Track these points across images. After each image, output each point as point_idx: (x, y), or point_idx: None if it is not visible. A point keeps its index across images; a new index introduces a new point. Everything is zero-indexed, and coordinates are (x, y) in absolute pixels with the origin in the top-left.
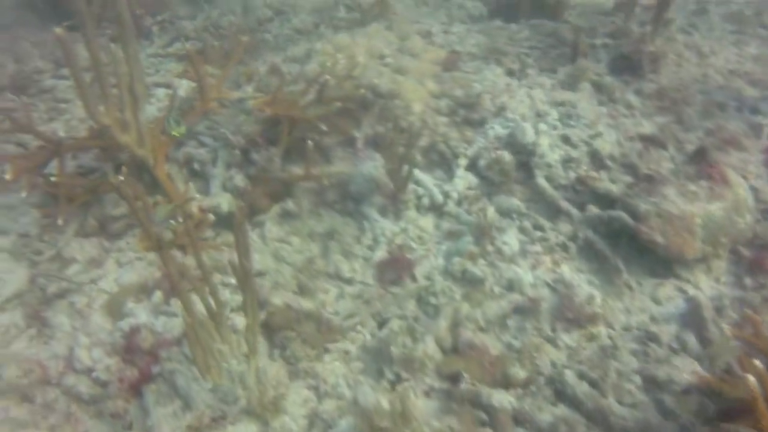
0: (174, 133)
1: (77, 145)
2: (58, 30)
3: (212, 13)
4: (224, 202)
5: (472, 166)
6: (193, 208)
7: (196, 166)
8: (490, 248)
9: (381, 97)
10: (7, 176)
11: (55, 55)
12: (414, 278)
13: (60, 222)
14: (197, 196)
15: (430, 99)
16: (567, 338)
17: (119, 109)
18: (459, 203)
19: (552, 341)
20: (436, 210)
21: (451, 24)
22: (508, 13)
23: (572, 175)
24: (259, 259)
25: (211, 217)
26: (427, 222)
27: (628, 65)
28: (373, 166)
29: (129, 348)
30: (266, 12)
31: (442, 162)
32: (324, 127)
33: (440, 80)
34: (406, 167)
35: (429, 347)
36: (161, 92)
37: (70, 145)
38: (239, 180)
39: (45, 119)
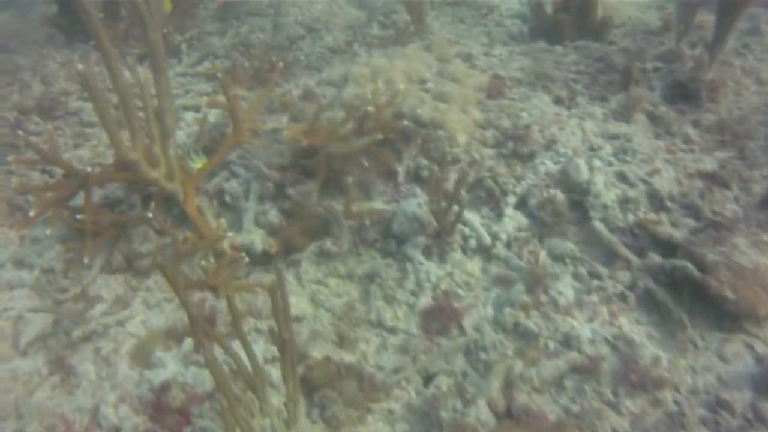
0: (194, 165)
1: (104, 177)
2: (81, 67)
3: (241, 30)
4: (258, 239)
5: (521, 205)
6: (225, 245)
7: (227, 198)
8: (543, 298)
9: (423, 126)
10: (32, 213)
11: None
12: (462, 329)
13: (86, 261)
14: (230, 234)
15: (475, 129)
16: (630, 403)
17: (147, 141)
18: (508, 246)
19: (614, 406)
20: (484, 252)
21: (492, 45)
22: (551, 33)
23: (630, 217)
24: (296, 303)
25: (245, 257)
26: (474, 265)
27: (683, 94)
28: (416, 203)
29: (158, 406)
30: (297, 30)
31: (489, 199)
32: (366, 163)
33: (485, 108)
34: (453, 207)
35: (482, 413)
36: (190, 116)
37: (97, 178)
38: (273, 215)
39: (71, 145)
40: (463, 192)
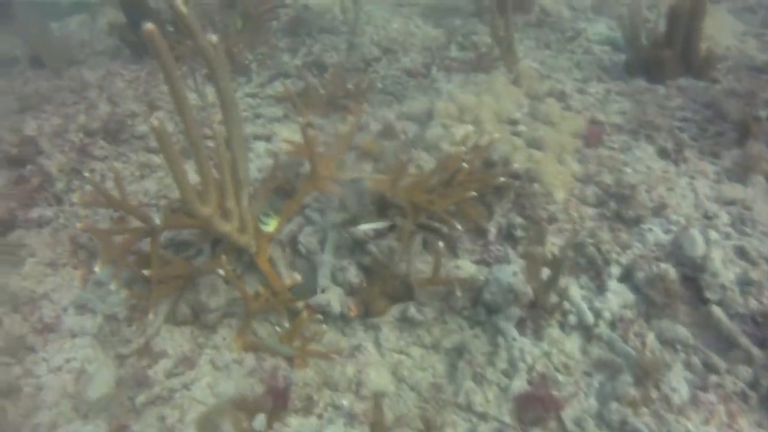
0: (266, 227)
1: (172, 224)
2: (155, 123)
3: (314, 49)
4: (335, 299)
5: (626, 277)
6: (300, 305)
7: (301, 248)
8: (654, 394)
9: (516, 178)
10: (97, 268)
11: (149, 96)
12: (561, 422)
13: (151, 316)
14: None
15: (574, 183)
16: None
17: (219, 192)
18: (612, 325)
19: None
20: (584, 330)
21: (586, 81)
22: (649, 68)
23: (752, 302)
24: (376, 376)
25: (322, 325)
26: (573, 344)
27: None
28: (512, 271)
29: None
30: (373, 50)
31: (590, 267)
32: (459, 226)
33: (583, 159)
34: (555, 283)
35: None
36: (261, 147)
37: (166, 225)
38: (352, 273)
39: (137, 176)
40: (565, 265)
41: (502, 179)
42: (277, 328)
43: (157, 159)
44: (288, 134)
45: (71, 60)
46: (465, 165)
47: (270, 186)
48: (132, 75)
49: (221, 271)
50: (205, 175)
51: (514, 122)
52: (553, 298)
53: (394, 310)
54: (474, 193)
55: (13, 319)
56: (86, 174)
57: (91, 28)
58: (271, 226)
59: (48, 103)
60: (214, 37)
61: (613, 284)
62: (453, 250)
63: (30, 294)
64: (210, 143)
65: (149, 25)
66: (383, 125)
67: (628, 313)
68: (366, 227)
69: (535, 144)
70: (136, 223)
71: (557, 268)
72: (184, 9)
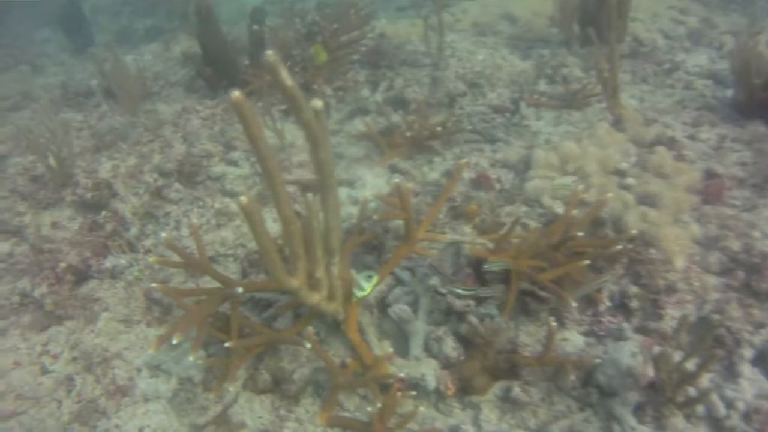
0: (361, 294)
1: (254, 288)
2: (244, 200)
3: (395, 83)
4: (430, 373)
5: (760, 360)
6: (391, 380)
7: (392, 313)
8: None
9: (629, 240)
10: (174, 341)
11: (225, 137)
12: None
13: (230, 388)
14: (396, 371)
15: (694, 248)
16: None
17: (308, 262)
18: (746, 418)
19: None
20: (714, 422)
21: (697, 125)
22: (764, 109)
23: None
24: None
25: (415, 405)
26: None
27: None
28: (631, 353)
29: None
30: (458, 85)
31: (718, 348)
32: (573, 303)
33: (702, 219)
34: (688, 374)
35: None
36: (343, 193)
37: (247, 290)
38: (449, 346)
39: (213, 225)
40: (704, 348)
41: (619, 247)
42: (369, 408)
43: (233, 205)
44: (372, 179)
45: (146, 93)
46: (580, 234)
47: (356, 242)
48: (207, 111)
49: (308, 345)
50: (296, 250)
51: (621, 174)
52: (686, 390)
53: (496, 388)
54: (587, 262)
55: (86, 380)
56: (163, 235)
57: (165, 58)
58: (368, 289)
59: (123, 141)
60: (319, 103)
61: (746, 369)
62: (559, 319)
63: (103, 353)
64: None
65: (236, 94)
66: (477, 175)
67: (765, 405)
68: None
69: (647, 200)
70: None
71: (693, 352)
72: (290, 81)
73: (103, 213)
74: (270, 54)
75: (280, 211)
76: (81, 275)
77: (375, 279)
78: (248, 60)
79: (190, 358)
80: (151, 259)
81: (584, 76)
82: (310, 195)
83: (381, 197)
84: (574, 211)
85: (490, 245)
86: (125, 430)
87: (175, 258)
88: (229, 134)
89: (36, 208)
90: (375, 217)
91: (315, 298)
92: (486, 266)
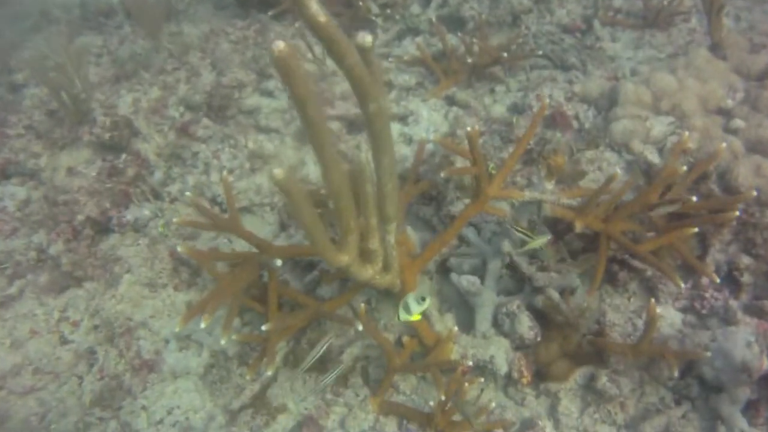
0: (406, 318)
1: (295, 253)
2: (279, 173)
3: None
4: (501, 354)
5: None
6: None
7: (455, 279)
8: None
9: (731, 193)
10: (203, 324)
11: (258, 63)
12: None
13: (269, 372)
14: (461, 352)
15: None
16: None
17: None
18: None
19: None
20: None
21: None
22: None
23: None
24: None
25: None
26: None
27: None
28: (746, 341)
29: None
30: (523, 0)
31: None
32: (681, 284)
33: None
34: None
35: None
36: (395, 130)
37: (287, 254)
38: (525, 325)
39: (246, 170)
40: None
41: (736, 214)
42: (430, 402)
43: (269, 145)
44: (427, 113)
45: (170, 11)
46: (693, 198)
47: (412, 193)
48: (239, 34)
49: (359, 326)
50: (346, 223)
51: (727, 114)
52: None
53: (578, 375)
54: (695, 229)
55: (108, 353)
56: (187, 194)
57: None
58: (415, 316)
59: (145, 69)
60: (367, 39)
61: None
62: (652, 291)
63: (126, 321)
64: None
65: (280, 46)
66: (554, 114)
67: None
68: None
69: (760, 148)
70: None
71: None
72: (323, 17)
73: (124, 156)
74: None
75: (330, 181)
76: (100, 229)
77: (427, 303)
78: None
79: (222, 342)
80: (175, 219)
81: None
82: (363, 156)
83: (443, 143)
84: (683, 167)
85: (574, 203)
86: (152, 411)
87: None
88: (263, 60)
89: (52, 149)
90: (442, 174)
91: (368, 272)
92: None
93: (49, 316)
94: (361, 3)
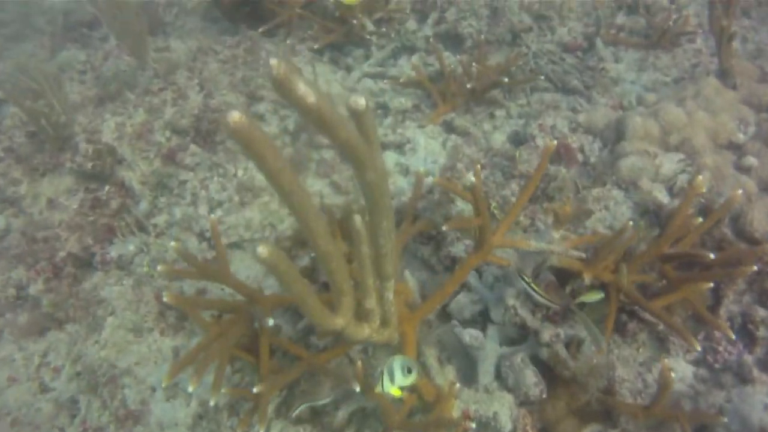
0: (391, 391)
1: (285, 303)
2: (263, 251)
3: (448, 14)
4: (504, 411)
5: None
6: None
7: (456, 330)
8: None
9: (745, 239)
10: (190, 387)
11: (248, 86)
12: None
13: (261, 431)
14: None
15: None
16: None
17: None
18: None
19: None
20: None
21: None
22: None
23: None
24: None
25: None
26: None
27: None
28: (762, 404)
29: None
30: (523, 18)
31: None
32: (698, 347)
33: None
34: None
35: None
36: (390, 159)
37: (275, 304)
38: (530, 380)
39: (236, 203)
40: None
41: (755, 268)
42: None
43: (259, 176)
44: (424, 141)
45: (157, 23)
46: (710, 255)
47: (409, 233)
48: (228, 53)
49: (356, 387)
50: (339, 286)
51: (738, 150)
52: None
53: None
54: (710, 285)
55: (91, 403)
56: (173, 244)
57: None
58: (396, 390)
59: (130, 89)
60: (360, 102)
61: None
62: (662, 343)
63: (110, 369)
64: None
65: (234, 116)
66: (562, 149)
67: None
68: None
69: None
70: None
71: None
72: (311, 97)
73: (107, 188)
74: (275, 65)
75: (317, 247)
76: (83, 266)
77: (413, 376)
78: None
79: (211, 403)
80: (160, 267)
81: (670, 7)
82: (357, 219)
83: (443, 184)
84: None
85: (583, 255)
86: None
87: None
88: (254, 82)
89: (33, 175)
90: (444, 227)
91: (365, 331)
92: (582, 298)
93: (28, 361)
94: (355, 21)
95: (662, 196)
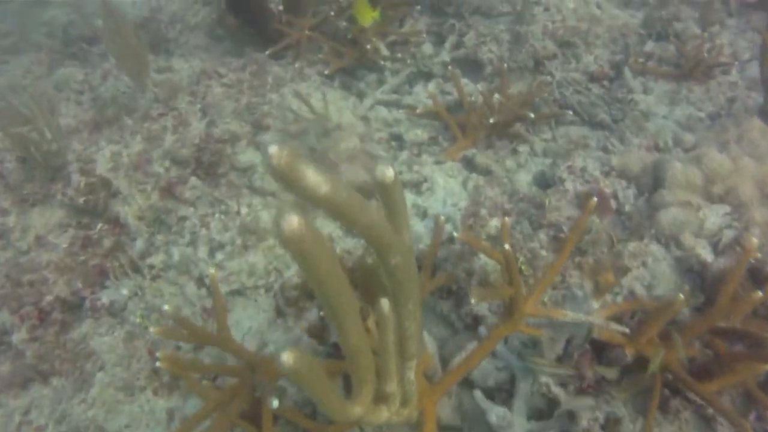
0: None
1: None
2: (288, 358)
3: (467, 38)
4: None
5: None
6: None
7: (479, 401)
8: None
9: None
10: None
11: (254, 114)
12: None
13: None
14: None
15: None
16: None
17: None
18: None
19: None
20: None
21: None
22: None
23: None
24: None
25: None
26: None
27: None
28: None
29: None
30: (547, 45)
31: None
32: (737, 420)
33: None
34: None
35: None
36: (407, 199)
37: (280, 373)
38: None
39: (238, 246)
40: None
41: None
42: None
43: (265, 215)
44: (443, 180)
45: (160, 40)
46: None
47: (428, 290)
48: (232, 77)
49: None
50: (363, 377)
51: None
52: None
53: None
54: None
55: None
56: (165, 307)
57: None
58: None
59: (128, 114)
60: (388, 173)
61: None
62: (708, 424)
63: (98, 431)
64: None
65: (293, 222)
66: (587, 186)
67: None
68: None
69: None
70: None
71: None
72: (325, 187)
73: (99, 225)
74: (275, 153)
75: (348, 344)
76: (72, 312)
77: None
78: (282, 5)
79: None
80: (153, 329)
81: (703, 35)
82: (385, 304)
83: (468, 239)
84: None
85: (626, 330)
86: None
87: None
88: (260, 110)
89: (22, 206)
90: (472, 300)
91: (383, 415)
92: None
93: (8, 419)
94: (368, 46)
95: (706, 253)
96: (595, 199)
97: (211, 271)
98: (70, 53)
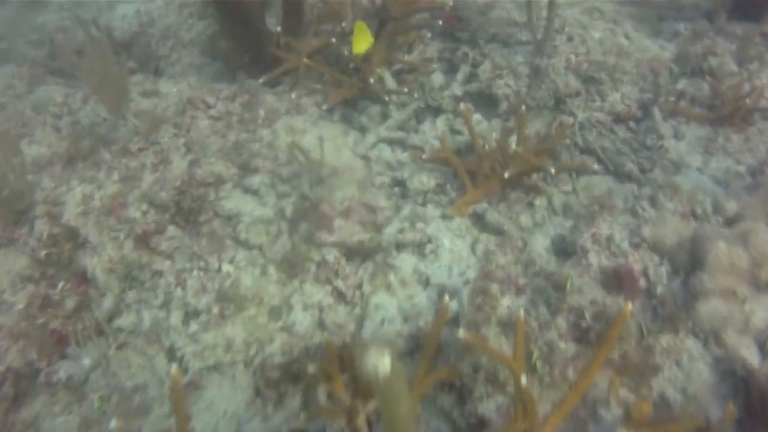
0: None
1: None
2: None
3: (482, 70)
4: None
5: None
6: None
7: None
8: None
9: None
10: None
11: (242, 154)
12: None
13: None
14: None
15: None
16: None
17: None
18: None
19: None
20: None
21: None
22: None
23: None
24: None
25: None
26: None
27: None
28: None
29: None
30: (570, 81)
31: None
32: None
33: None
34: None
35: None
36: (407, 265)
37: None
38: None
39: (215, 315)
40: None
41: None
42: None
43: (247, 278)
44: (449, 241)
45: (150, 57)
46: None
47: (428, 384)
48: (221, 107)
49: None
50: None
51: None
52: None
53: None
54: None
55: None
56: (173, 369)
57: (179, 4)
58: None
59: (106, 146)
60: (384, 363)
61: None
62: None
63: None
64: None
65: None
66: (614, 262)
67: None
68: None
69: None
70: None
71: None
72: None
73: (61, 284)
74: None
75: None
76: (25, 384)
77: None
78: (281, 27)
79: None
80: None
81: (741, 73)
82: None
83: (476, 341)
84: None
85: None
86: None
87: None
88: (248, 149)
89: None
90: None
91: None
92: None
93: None
94: (371, 80)
95: (751, 355)
96: (630, 306)
97: (173, 369)
98: (54, 68)
